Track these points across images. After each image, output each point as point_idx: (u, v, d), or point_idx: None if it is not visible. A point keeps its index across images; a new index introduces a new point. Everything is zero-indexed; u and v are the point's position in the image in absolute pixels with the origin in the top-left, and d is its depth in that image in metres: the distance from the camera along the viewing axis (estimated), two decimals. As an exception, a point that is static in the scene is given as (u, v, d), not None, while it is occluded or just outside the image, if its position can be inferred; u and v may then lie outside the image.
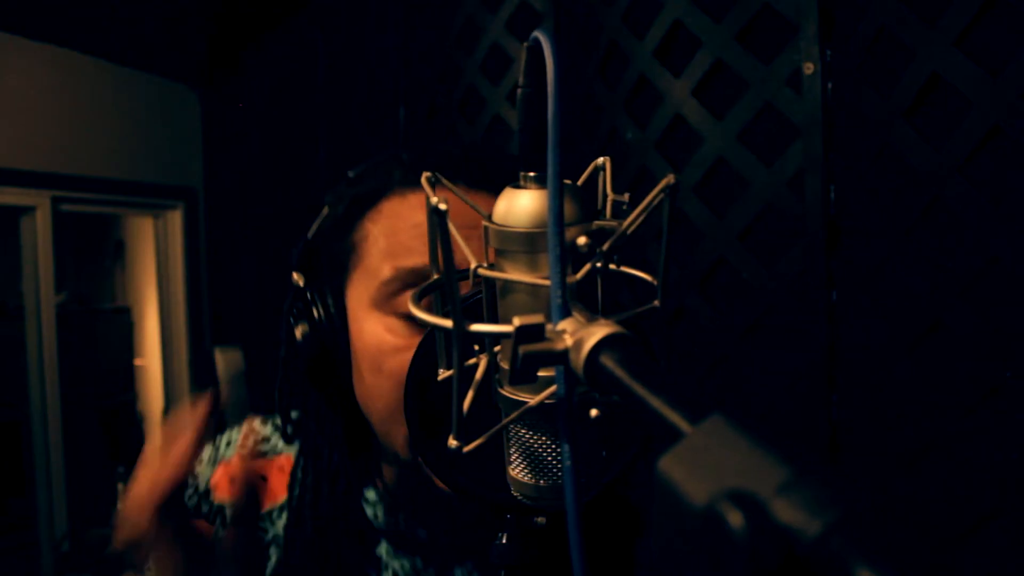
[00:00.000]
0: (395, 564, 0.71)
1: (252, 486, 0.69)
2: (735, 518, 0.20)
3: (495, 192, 0.62)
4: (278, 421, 0.77)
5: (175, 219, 3.69)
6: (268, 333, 3.18)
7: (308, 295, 0.68)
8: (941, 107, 1.06)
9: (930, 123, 1.08)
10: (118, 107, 3.38)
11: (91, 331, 4.09)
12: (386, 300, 0.63)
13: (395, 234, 0.63)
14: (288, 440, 0.76)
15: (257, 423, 0.81)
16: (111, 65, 3.31)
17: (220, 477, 0.77)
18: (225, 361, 3.33)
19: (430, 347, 0.54)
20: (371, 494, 0.73)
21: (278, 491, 0.75)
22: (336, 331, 0.65)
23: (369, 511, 0.72)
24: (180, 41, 3.18)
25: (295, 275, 0.68)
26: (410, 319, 0.62)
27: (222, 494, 0.76)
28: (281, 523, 0.74)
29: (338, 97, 2.52)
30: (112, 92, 3.35)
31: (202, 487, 0.78)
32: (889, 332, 1.13)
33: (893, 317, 1.12)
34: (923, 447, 1.09)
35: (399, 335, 0.62)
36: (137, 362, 4.44)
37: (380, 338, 0.62)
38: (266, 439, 0.79)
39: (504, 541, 0.61)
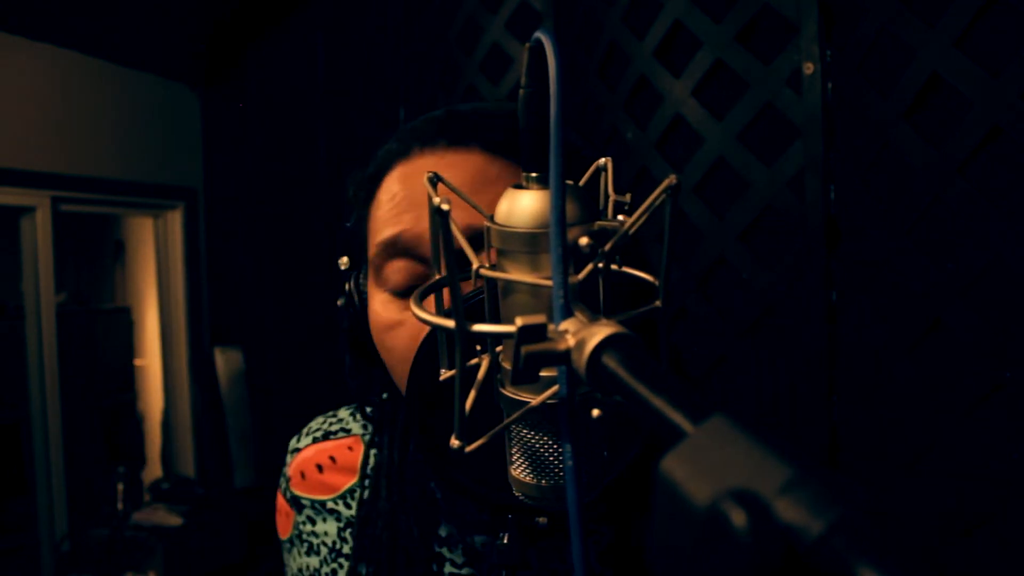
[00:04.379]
0: (464, 541, 0.71)
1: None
2: (738, 517, 0.20)
3: (483, 147, 0.62)
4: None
5: (175, 219, 3.69)
6: (268, 333, 3.19)
7: (348, 279, 0.70)
8: (941, 107, 1.06)
9: (930, 123, 1.08)
10: (118, 107, 3.38)
11: (91, 331, 4.09)
12: (377, 275, 0.63)
13: (383, 206, 0.64)
14: (364, 415, 0.77)
15: (342, 411, 0.83)
16: (111, 65, 3.31)
17: (294, 469, 0.79)
18: (225, 361, 3.34)
19: (432, 347, 0.54)
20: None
21: (348, 471, 0.77)
22: (362, 311, 0.67)
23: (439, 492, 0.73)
24: (180, 41, 3.18)
25: (342, 259, 0.70)
26: (397, 294, 0.63)
27: (294, 486, 0.79)
28: (351, 510, 0.75)
29: (338, 97, 2.52)
30: (112, 92, 3.35)
31: (286, 474, 0.81)
32: (889, 332, 1.13)
33: (893, 317, 1.12)
34: (923, 447, 1.09)
35: (390, 310, 0.62)
36: (137, 362, 4.44)
37: (378, 315, 0.63)
38: (340, 420, 0.81)
39: (505, 541, 0.61)
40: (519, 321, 0.30)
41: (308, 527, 0.77)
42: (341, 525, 0.75)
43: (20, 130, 2.97)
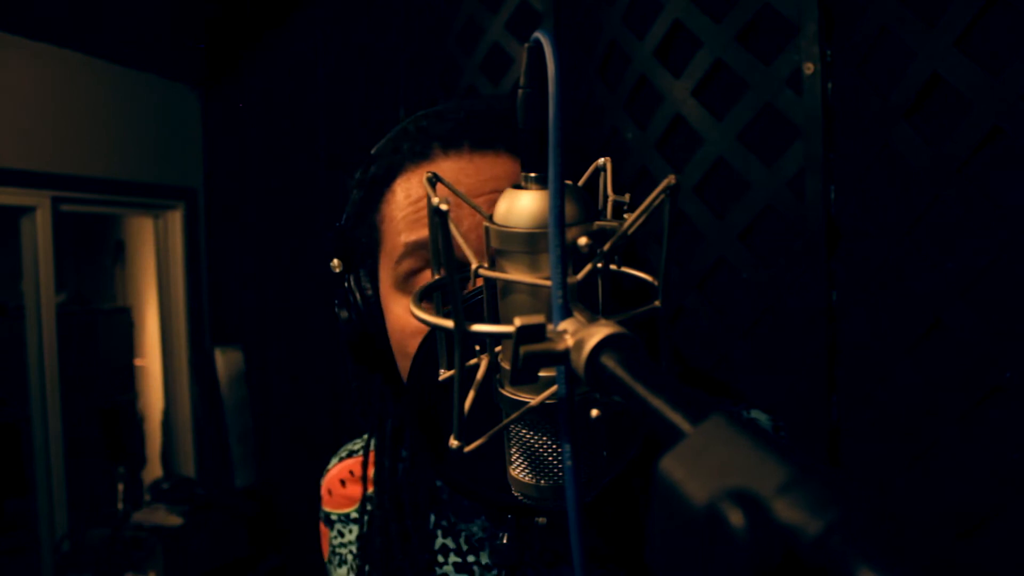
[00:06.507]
0: (467, 529, 0.71)
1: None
2: (736, 517, 0.20)
3: (504, 149, 0.61)
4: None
5: (175, 219, 3.69)
6: (268, 333, 3.19)
7: (345, 281, 0.67)
8: (941, 107, 1.06)
9: (930, 123, 1.08)
10: (118, 107, 3.38)
11: (91, 331, 4.09)
12: (404, 280, 0.61)
13: (405, 208, 0.62)
14: (362, 422, 0.77)
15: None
16: (111, 65, 3.31)
17: (324, 488, 0.82)
18: (225, 361, 3.34)
19: (431, 347, 0.54)
20: None
21: (352, 493, 0.78)
22: (372, 314, 0.65)
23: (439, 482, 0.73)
24: (180, 41, 3.18)
25: (334, 262, 0.68)
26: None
27: (324, 504, 0.81)
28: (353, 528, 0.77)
29: (338, 97, 2.52)
30: (112, 92, 3.35)
31: (321, 495, 0.83)
32: (889, 332, 1.13)
33: (893, 317, 1.12)
34: (923, 447, 1.09)
35: None
36: (137, 362, 4.43)
37: (403, 320, 0.61)
38: (364, 438, 0.82)
39: (504, 541, 0.61)
40: (518, 321, 0.30)
41: (338, 540, 0.78)
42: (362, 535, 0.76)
43: (20, 130, 2.97)
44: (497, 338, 0.38)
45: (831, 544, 0.19)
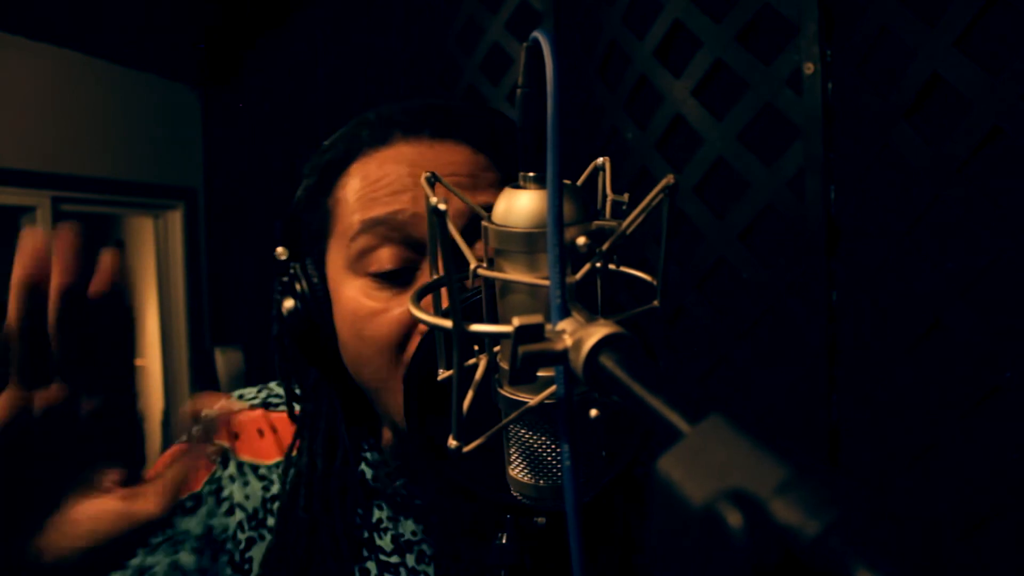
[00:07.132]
0: (395, 528, 0.70)
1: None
2: (734, 518, 0.20)
3: (463, 140, 0.62)
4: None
5: (175, 219, 3.69)
6: (268, 333, 3.18)
7: (291, 268, 0.67)
8: (941, 107, 1.06)
9: (930, 123, 1.08)
10: (118, 107, 3.38)
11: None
12: (358, 260, 0.61)
13: (362, 189, 0.62)
14: (293, 417, 0.76)
15: (275, 386, 0.80)
16: (111, 65, 3.31)
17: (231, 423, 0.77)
18: (225, 361, 3.34)
19: (430, 347, 0.54)
20: (370, 455, 0.72)
21: (265, 447, 0.74)
22: (319, 302, 0.64)
23: (368, 472, 0.71)
24: (180, 41, 3.18)
25: (278, 249, 0.67)
26: (383, 278, 0.60)
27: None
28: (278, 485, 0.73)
29: (338, 97, 2.52)
30: (112, 92, 3.35)
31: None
32: (889, 332, 1.13)
33: (893, 317, 1.12)
34: (923, 447, 1.09)
35: (374, 298, 0.60)
36: (137, 362, 4.44)
37: (357, 303, 0.61)
38: (280, 395, 0.79)
39: (504, 541, 0.61)
40: (516, 321, 0.30)
41: (230, 486, 0.72)
42: (268, 496, 0.71)
43: (20, 130, 2.97)
44: (496, 338, 0.38)
45: (829, 545, 0.19)
